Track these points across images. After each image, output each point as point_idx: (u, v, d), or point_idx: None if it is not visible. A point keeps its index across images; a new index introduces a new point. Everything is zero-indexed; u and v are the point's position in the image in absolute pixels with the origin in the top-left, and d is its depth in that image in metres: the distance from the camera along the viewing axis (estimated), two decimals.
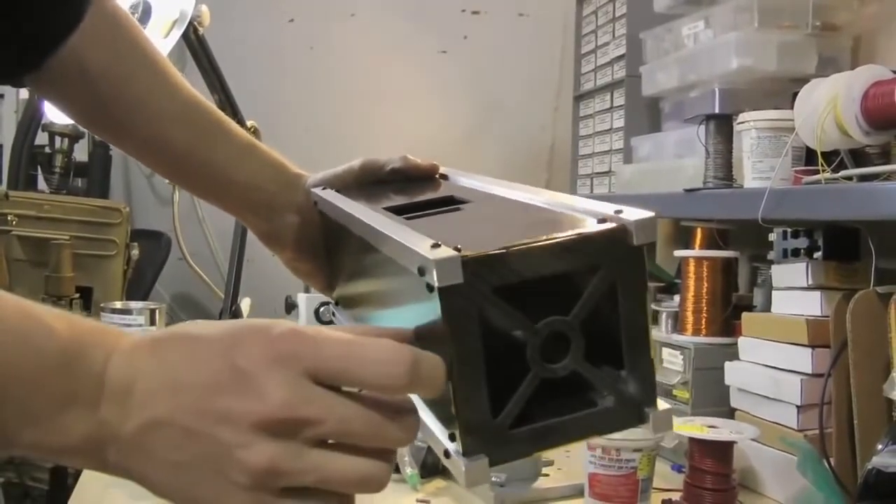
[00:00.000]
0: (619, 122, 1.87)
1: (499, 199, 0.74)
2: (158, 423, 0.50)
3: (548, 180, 2.75)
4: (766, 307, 1.28)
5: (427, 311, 0.54)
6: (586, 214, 0.58)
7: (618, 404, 0.57)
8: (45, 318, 0.51)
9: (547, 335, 0.55)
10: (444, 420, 0.56)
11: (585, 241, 0.55)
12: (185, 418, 0.49)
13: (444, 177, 0.91)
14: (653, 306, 1.45)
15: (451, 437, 0.55)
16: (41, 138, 2.31)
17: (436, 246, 0.53)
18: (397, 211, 0.73)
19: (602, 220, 0.56)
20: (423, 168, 0.92)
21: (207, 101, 0.96)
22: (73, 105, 0.92)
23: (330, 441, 0.51)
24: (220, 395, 0.49)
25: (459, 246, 0.53)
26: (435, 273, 0.51)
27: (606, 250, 0.55)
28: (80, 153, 2.37)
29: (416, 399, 0.59)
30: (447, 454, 0.56)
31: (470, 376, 0.54)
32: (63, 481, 2.06)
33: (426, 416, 0.59)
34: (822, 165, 1.09)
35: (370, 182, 0.92)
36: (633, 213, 0.56)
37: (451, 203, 0.75)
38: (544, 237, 0.54)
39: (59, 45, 0.84)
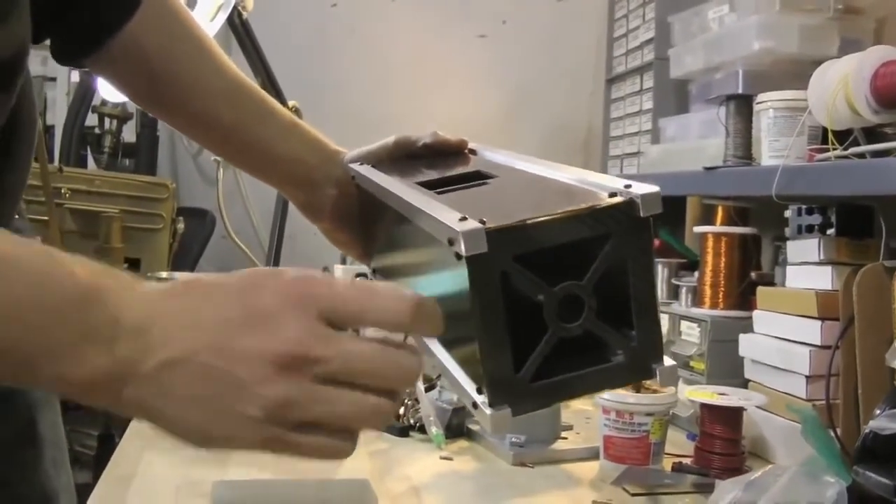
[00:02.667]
0: (648, 104, 1.92)
1: (521, 174, 0.80)
2: (178, 360, 0.53)
3: (584, 162, 2.78)
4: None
5: (456, 277, 0.61)
6: (600, 189, 0.64)
7: (628, 360, 0.64)
8: (66, 261, 0.55)
9: (563, 297, 0.61)
10: (474, 377, 0.63)
11: (597, 213, 0.61)
12: (204, 355, 0.53)
13: (473, 151, 0.97)
14: (673, 281, 1.49)
15: (479, 391, 0.62)
16: (91, 120, 2.39)
17: (463, 219, 0.60)
18: (429, 185, 0.79)
19: (613, 195, 0.62)
20: (453, 143, 0.98)
21: (252, 82, 1.02)
22: (128, 83, 0.99)
23: (340, 381, 0.55)
24: (239, 334, 0.53)
25: (484, 219, 0.59)
26: (462, 243, 0.58)
27: (616, 221, 0.61)
28: (129, 134, 2.45)
29: (449, 359, 0.66)
30: (475, 405, 0.62)
31: (494, 335, 0.60)
32: (110, 447, 2.15)
33: (458, 374, 0.65)
34: (831, 143, 1.13)
35: (403, 157, 0.98)
36: (640, 188, 0.62)
37: (478, 178, 0.81)
38: (560, 210, 0.61)
39: (119, 29, 0.91)
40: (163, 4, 0.94)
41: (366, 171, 0.92)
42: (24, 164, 0.84)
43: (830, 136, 1.13)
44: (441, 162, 0.93)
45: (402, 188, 0.79)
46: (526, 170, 0.80)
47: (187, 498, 1.02)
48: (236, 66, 1.01)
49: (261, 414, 0.53)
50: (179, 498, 1.02)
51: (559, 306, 0.61)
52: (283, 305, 0.53)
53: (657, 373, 0.64)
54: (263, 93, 1.01)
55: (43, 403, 0.93)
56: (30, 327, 0.52)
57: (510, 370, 0.61)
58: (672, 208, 1.72)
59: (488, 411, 0.61)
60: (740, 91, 1.47)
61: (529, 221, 0.60)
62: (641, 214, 0.61)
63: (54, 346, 0.53)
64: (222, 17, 1.81)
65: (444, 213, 0.63)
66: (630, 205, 0.61)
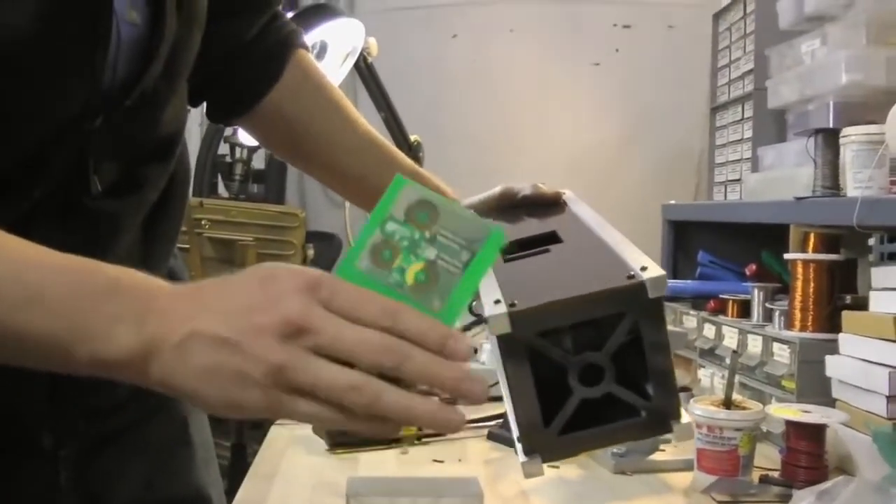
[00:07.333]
0: (749, 133, 1.99)
1: (583, 242, 0.91)
2: (197, 333, 0.60)
3: (697, 184, 2.85)
4: None
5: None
6: (628, 267, 0.75)
7: (647, 418, 0.75)
8: (98, 263, 0.64)
9: (584, 365, 0.73)
10: None
11: (612, 294, 0.73)
12: (221, 329, 0.60)
13: (565, 203, 1.09)
14: (767, 304, 1.57)
15: (519, 440, 0.75)
16: (222, 149, 2.58)
17: (497, 302, 0.72)
18: (515, 243, 0.91)
19: (630, 276, 0.73)
20: (548, 196, 1.10)
21: (378, 133, 1.16)
22: (268, 137, 1.15)
23: (331, 355, 0.60)
24: (253, 314, 0.60)
25: (516, 301, 0.71)
26: (490, 324, 0.71)
27: (629, 301, 0.73)
28: (258, 161, 2.63)
29: (510, 405, 0.77)
30: (517, 451, 0.75)
31: (524, 398, 0.73)
32: (243, 455, 2.31)
33: (512, 418, 0.77)
34: None
35: (507, 206, 1.11)
36: (652, 271, 0.73)
37: (551, 240, 0.92)
38: (583, 292, 0.72)
39: (262, 97, 1.07)
40: (301, 73, 1.10)
41: None
42: (178, 214, 0.97)
43: None
44: (537, 213, 1.05)
45: None
46: (590, 233, 0.91)
47: (321, 496, 1.17)
48: (360, 103, 1.16)
49: (262, 378, 0.59)
50: (314, 495, 1.18)
51: (581, 372, 0.72)
52: (292, 289, 0.60)
53: (674, 428, 0.75)
54: (388, 144, 1.15)
55: (193, 410, 1.05)
56: (67, 313, 0.61)
57: (539, 426, 0.73)
58: (774, 234, 1.80)
59: (521, 459, 0.73)
60: (831, 122, 1.55)
61: (551, 303, 0.71)
62: (649, 296, 0.72)
63: (90, 327, 0.60)
64: (350, 63, 1.98)
65: (489, 292, 0.75)
66: (641, 287, 0.72)
